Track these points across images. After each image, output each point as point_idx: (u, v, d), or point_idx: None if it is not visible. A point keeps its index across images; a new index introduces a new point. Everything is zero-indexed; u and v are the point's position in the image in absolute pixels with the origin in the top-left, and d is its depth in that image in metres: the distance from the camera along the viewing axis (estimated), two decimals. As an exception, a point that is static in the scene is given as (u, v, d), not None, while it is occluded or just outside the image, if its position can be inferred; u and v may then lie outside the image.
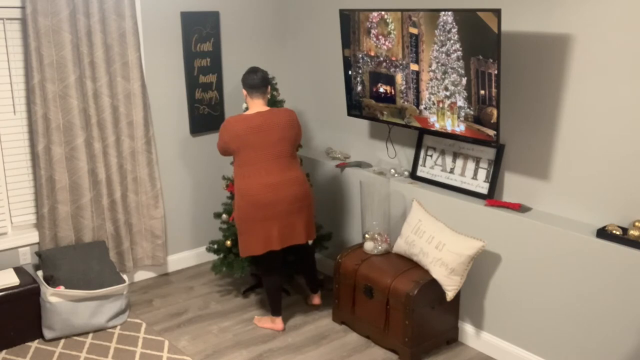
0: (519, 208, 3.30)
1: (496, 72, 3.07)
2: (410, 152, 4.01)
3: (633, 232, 2.81)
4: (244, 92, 3.63)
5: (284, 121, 3.56)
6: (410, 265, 3.58)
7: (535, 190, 3.32)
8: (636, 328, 2.82)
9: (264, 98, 3.62)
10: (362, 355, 3.54)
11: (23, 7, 3.66)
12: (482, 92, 3.19)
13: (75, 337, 3.71)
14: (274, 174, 3.51)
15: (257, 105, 3.60)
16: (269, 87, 3.67)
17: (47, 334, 3.65)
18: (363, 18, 3.71)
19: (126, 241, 4.26)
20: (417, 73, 3.50)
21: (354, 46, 3.86)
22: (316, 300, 4.03)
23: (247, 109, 4.04)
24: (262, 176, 3.49)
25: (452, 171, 3.69)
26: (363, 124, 4.34)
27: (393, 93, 3.71)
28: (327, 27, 4.47)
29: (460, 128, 3.39)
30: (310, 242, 3.96)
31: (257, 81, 3.56)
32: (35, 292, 3.63)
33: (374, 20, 3.65)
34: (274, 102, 4.05)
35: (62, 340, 3.68)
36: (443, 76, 3.36)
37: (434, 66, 3.39)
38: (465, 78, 3.25)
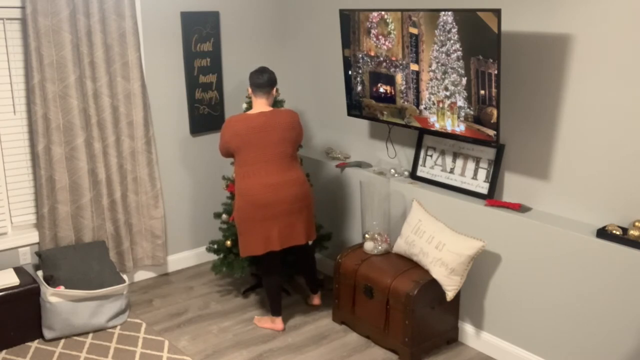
0: (519, 208, 3.30)
1: (496, 72, 3.07)
2: (410, 152, 4.01)
3: (633, 232, 2.81)
4: (249, 89, 3.63)
5: (285, 122, 3.56)
6: (410, 265, 3.58)
7: (535, 190, 3.32)
8: (636, 328, 2.82)
9: (268, 98, 3.61)
10: (362, 355, 3.54)
11: (23, 7, 3.66)
12: (482, 92, 3.19)
13: (75, 337, 3.71)
14: (275, 175, 3.51)
15: (261, 105, 3.60)
16: (275, 89, 3.66)
17: (47, 334, 3.65)
18: (363, 18, 3.71)
19: (126, 241, 4.26)
20: (417, 73, 3.50)
21: (354, 46, 3.86)
22: (316, 300, 4.03)
23: (246, 109, 4.05)
24: (263, 176, 3.49)
25: (452, 171, 3.69)
26: (363, 124, 4.34)
27: (393, 93, 3.71)
28: (327, 27, 4.47)
29: (460, 128, 3.39)
30: (310, 242, 3.95)
31: (263, 81, 3.56)
32: (35, 292, 3.63)
33: (374, 20, 3.65)
34: (274, 102, 4.05)
35: (62, 340, 3.68)
36: (443, 76, 3.36)
37: (434, 66, 3.39)
38: (465, 78, 3.25)
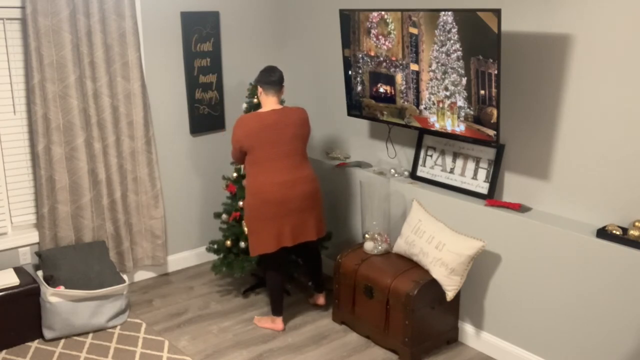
0: (519, 208, 3.30)
1: (496, 72, 3.07)
2: (410, 152, 4.01)
3: (633, 232, 2.81)
4: (259, 89, 3.64)
5: (297, 119, 3.59)
6: (410, 265, 3.58)
7: (535, 190, 3.32)
8: (636, 328, 2.82)
9: (279, 96, 3.63)
10: (362, 355, 3.54)
11: (23, 7, 3.66)
12: (482, 92, 3.19)
13: (75, 337, 3.71)
14: (287, 172, 3.53)
15: (271, 103, 3.61)
16: (284, 87, 3.68)
17: (47, 334, 3.65)
18: (363, 18, 3.71)
19: (126, 241, 4.26)
20: (417, 73, 3.50)
21: (354, 46, 3.86)
22: (321, 300, 4.03)
23: (246, 109, 4.05)
24: (276, 174, 3.51)
25: (452, 171, 3.69)
26: (363, 124, 4.34)
27: (393, 93, 3.71)
28: (327, 27, 4.47)
29: (460, 128, 3.39)
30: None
31: (275, 79, 3.59)
32: (35, 292, 3.63)
33: (374, 20, 3.65)
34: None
35: (62, 340, 3.68)
36: (443, 76, 3.36)
37: (434, 66, 3.39)
38: (465, 78, 3.25)
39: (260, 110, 3.59)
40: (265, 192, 3.50)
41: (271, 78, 3.58)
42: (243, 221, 3.97)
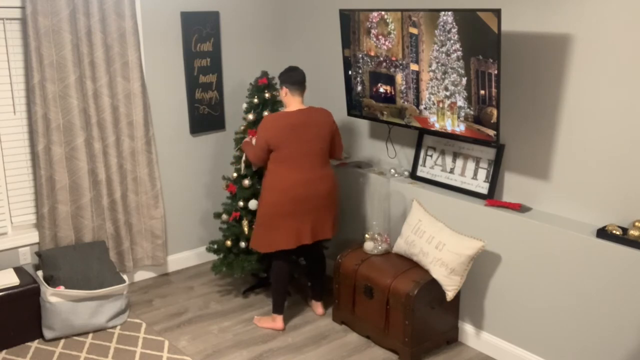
0: (519, 208, 3.30)
1: (496, 72, 3.07)
2: (410, 152, 4.01)
3: (633, 232, 2.81)
4: (284, 90, 3.64)
5: (322, 120, 3.63)
6: (410, 265, 3.58)
7: (535, 190, 3.32)
8: (636, 328, 2.82)
9: (303, 96, 3.67)
10: (362, 355, 3.54)
11: (23, 7, 3.66)
12: (482, 92, 3.19)
13: (75, 337, 3.71)
14: (310, 170, 3.58)
15: (297, 103, 3.65)
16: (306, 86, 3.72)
17: (47, 334, 3.65)
18: (363, 18, 3.71)
19: (126, 241, 4.26)
20: (417, 73, 3.50)
21: (354, 46, 3.86)
22: (320, 310, 4.00)
23: (247, 109, 4.05)
24: (302, 171, 3.56)
25: (452, 171, 3.69)
26: (363, 124, 4.34)
27: (393, 93, 3.71)
28: (327, 27, 4.47)
29: (460, 128, 3.38)
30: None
31: (301, 78, 3.63)
32: (35, 292, 3.63)
33: (374, 20, 3.65)
34: (274, 102, 4.05)
35: (62, 340, 3.68)
36: (443, 76, 3.36)
37: (434, 66, 3.39)
38: (465, 78, 3.25)
39: (286, 110, 3.64)
40: (288, 189, 3.54)
41: (298, 77, 3.63)
42: (243, 221, 3.98)
